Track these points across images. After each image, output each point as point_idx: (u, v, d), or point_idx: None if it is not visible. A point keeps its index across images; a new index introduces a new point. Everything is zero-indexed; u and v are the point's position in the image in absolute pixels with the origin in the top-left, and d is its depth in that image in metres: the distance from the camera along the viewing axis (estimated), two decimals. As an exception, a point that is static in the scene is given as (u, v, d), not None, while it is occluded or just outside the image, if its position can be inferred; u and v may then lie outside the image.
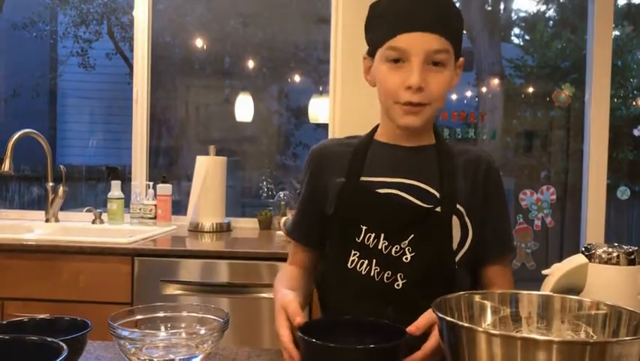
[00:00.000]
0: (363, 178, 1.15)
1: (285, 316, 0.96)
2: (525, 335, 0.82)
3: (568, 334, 0.84)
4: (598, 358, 0.64)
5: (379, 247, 1.11)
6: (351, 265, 1.13)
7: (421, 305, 0.93)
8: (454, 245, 1.12)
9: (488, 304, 0.87)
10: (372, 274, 1.11)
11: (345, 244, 1.14)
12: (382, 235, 1.11)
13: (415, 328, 0.92)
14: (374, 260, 1.11)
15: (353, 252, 1.13)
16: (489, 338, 0.67)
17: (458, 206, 1.12)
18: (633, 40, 4.53)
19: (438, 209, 1.10)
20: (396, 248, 1.10)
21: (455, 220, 1.12)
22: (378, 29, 1.12)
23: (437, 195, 1.12)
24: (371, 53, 1.15)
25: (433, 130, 1.20)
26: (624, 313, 0.79)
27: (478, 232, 1.14)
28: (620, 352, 0.65)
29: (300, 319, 0.93)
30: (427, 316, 0.93)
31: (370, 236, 1.12)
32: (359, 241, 1.12)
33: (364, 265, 1.12)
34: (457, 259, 1.12)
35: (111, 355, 0.99)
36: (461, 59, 1.15)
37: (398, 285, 1.10)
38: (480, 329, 0.70)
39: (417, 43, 1.05)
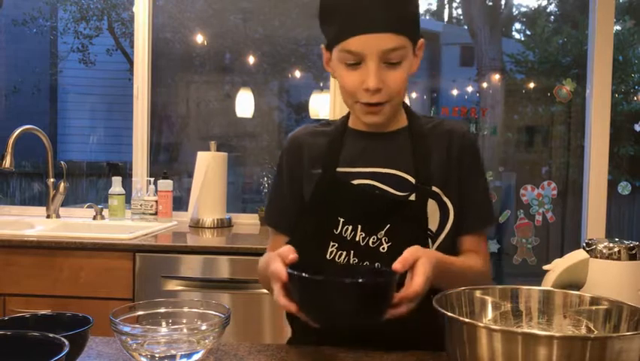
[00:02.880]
0: (339, 169, 1.15)
1: (280, 258, 0.95)
2: (526, 330, 0.82)
3: (569, 329, 0.84)
4: (599, 353, 0.64)
5: (357, 239, 1.11)
6: (329, 257, 1.13)
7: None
8: (434, 228, 1.12)
9: (489, 299, 0.87)
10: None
11: (323, 236, 1.13)
12: (359, 226, 1.11)
13: (400, 265, 0.91)
14: (352, 251, 1.11)
15: (331, 243, 1.13)
16: (490, 334, 0.67)
17: (434, 188, 1.12)
18: (634, 35, 4.51)
19: (412, 197, 1.10)
20: (374, 239, 1.10)
21: (432, 204, 1.11)
22: (331, 27, 1.09)
23: (413, 181, 1.12)
24: (328, 47, 1.12)
25: (405, 110, 1.20)
26: (625, 308, 0.79)
27: (458, 206, 1.14)
28: (621, 347, 0.65)
29: (293, 256, 0.93)
30: (411, 251, 0.93)
31: (348, 228, 1.12)
32: (337, 233, 1.12)
33: (342, 257, 1.12)
34: (440, 241, 1.12)
35: (113, 351, 0.99)
36: (421, 41, 1.12)
37: None
38: (481, 324, 0.70)
39: (371, 44, 1.03)
